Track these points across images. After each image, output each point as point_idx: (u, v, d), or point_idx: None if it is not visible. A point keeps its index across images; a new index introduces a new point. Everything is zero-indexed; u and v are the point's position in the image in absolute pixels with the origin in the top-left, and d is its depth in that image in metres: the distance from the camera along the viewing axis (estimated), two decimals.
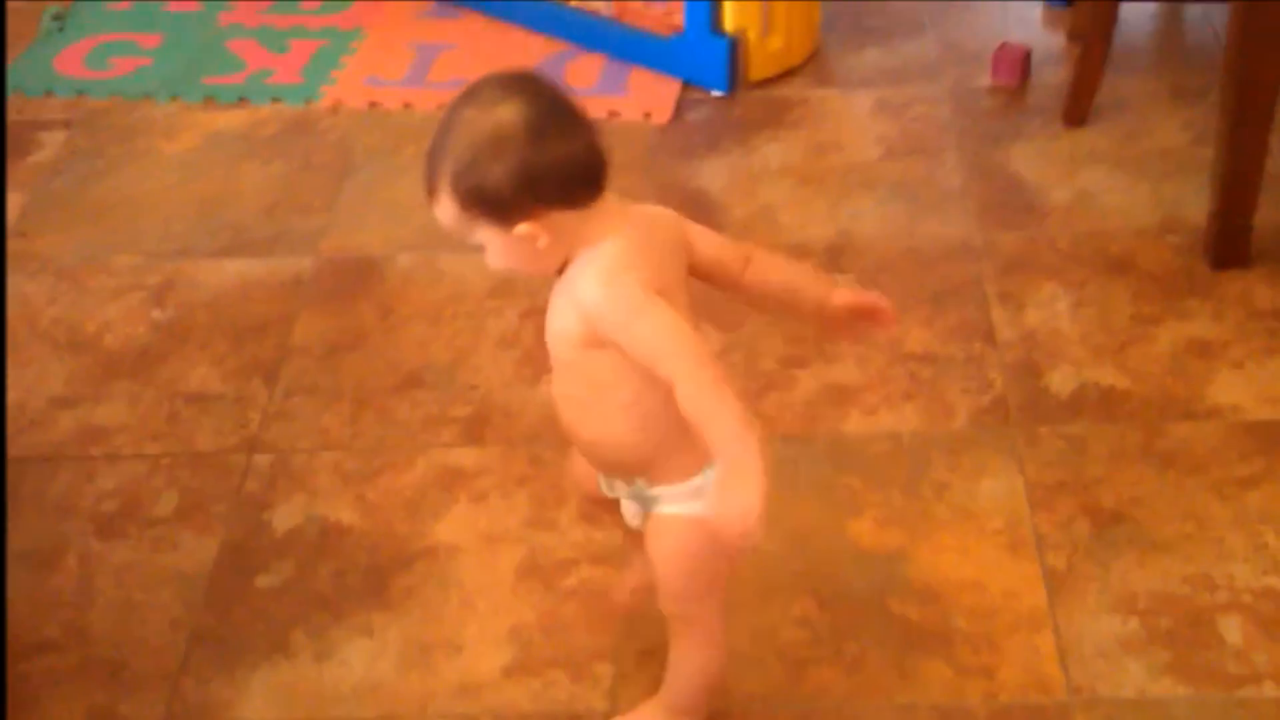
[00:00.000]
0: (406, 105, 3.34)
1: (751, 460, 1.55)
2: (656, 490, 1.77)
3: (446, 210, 1.63)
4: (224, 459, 2.47)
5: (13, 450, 2.48)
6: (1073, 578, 2.18)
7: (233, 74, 3.49)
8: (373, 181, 3.12)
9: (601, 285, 1.63)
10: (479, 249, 1.67)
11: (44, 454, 2.49)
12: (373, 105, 3.36)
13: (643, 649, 2.11)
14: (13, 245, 2.97)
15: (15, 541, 2.25)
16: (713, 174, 3.08)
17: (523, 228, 1.61)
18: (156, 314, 2.78)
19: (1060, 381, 2.51)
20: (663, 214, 1.75)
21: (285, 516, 2.37)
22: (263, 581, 2.26)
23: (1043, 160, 3.06)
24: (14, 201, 3.08)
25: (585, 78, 3.41)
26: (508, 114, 1.58)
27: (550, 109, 1.60)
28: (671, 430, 1.68)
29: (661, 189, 3.04)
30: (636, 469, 1.77)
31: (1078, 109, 3.15)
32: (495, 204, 1.60)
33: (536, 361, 2.60)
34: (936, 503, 2.31)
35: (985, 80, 3.33)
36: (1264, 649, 2.06)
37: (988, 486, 2.33)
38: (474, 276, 2.81)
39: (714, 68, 3.31)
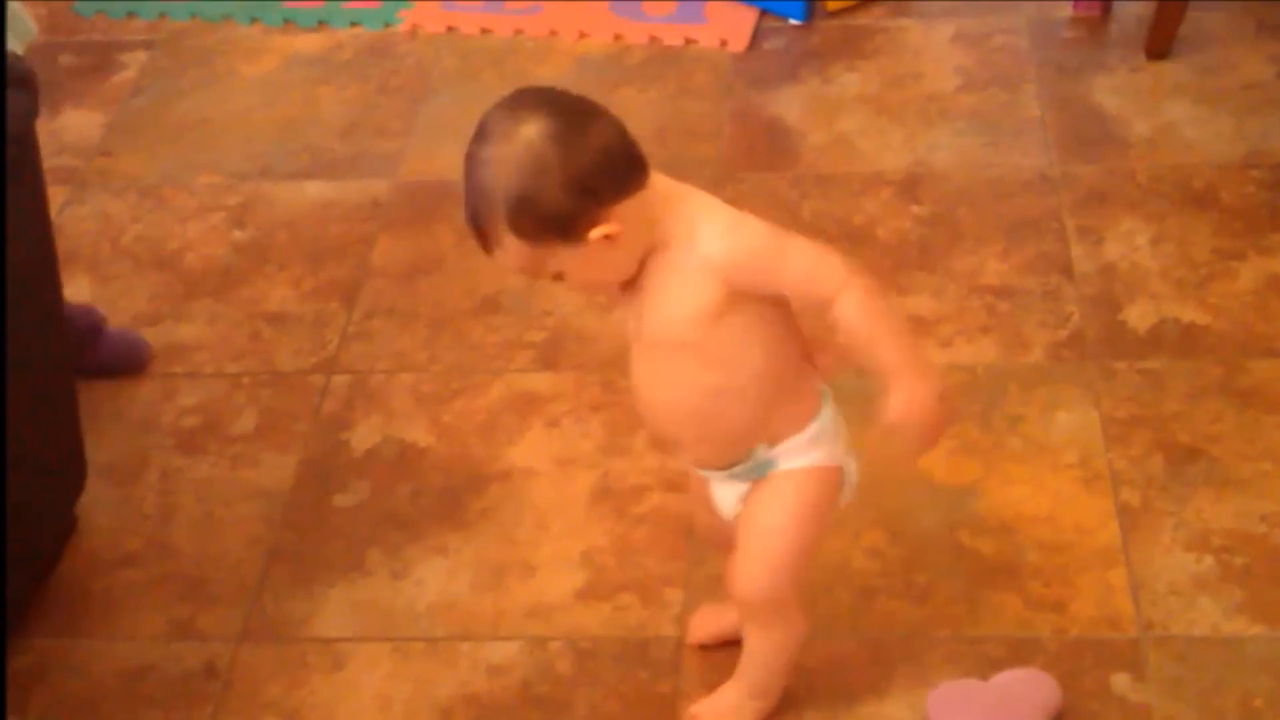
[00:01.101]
0: (484, 30, 3.34)
1: (921, 359, 1.65)
2: (779, 448, 1.73)
3: (515, 253, 1.59)
4: (303, 379, 2.50)
5: None
6: (1147, 514, 2.17)
7: None
8: (450, 106, 3.12)
9: (734, 234, 1.62)
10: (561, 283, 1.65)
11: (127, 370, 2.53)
12: (450, 30, 3.36)
13: (712, 575, 2.13)
14: (97, 163, 3.00)
15: (98, 456, 2.29)
16: (789, 102, 3.07)
17: (598, 231, 1.57)
18: (237, 234, 2.81)
19: (1139, 316, 2.50)
20: None
21: (363, 437, 2.39)
22: (341, 500, 2.30)
23: (1124, 93, 3.02)
24: (97, 120, 3.10)
25: (662, 7, 3.39)
26: (531, 133, 1.54)
27: (564, 110, 1.57)
28: (793, 377, 1.70)
29: (738, 117, 3.03)
30: (762, 435, 1.73)
31: (1161, 41, 3.11)
32: (563, 223, 1.56)
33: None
34: (1011, 436, 2.31)
35: (1067, 10, 3.28)
36: None
37: (1063, 420, 2.33)
38: None
39: None
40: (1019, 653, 2.00)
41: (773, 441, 1.73)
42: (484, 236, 1.59)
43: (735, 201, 1.69)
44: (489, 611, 2.12)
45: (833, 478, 1.77)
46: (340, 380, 2.49)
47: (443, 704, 2.02)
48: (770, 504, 1.76)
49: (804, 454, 1.74)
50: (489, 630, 2.10)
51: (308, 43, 3.35)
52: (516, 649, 2.07)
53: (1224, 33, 3.17)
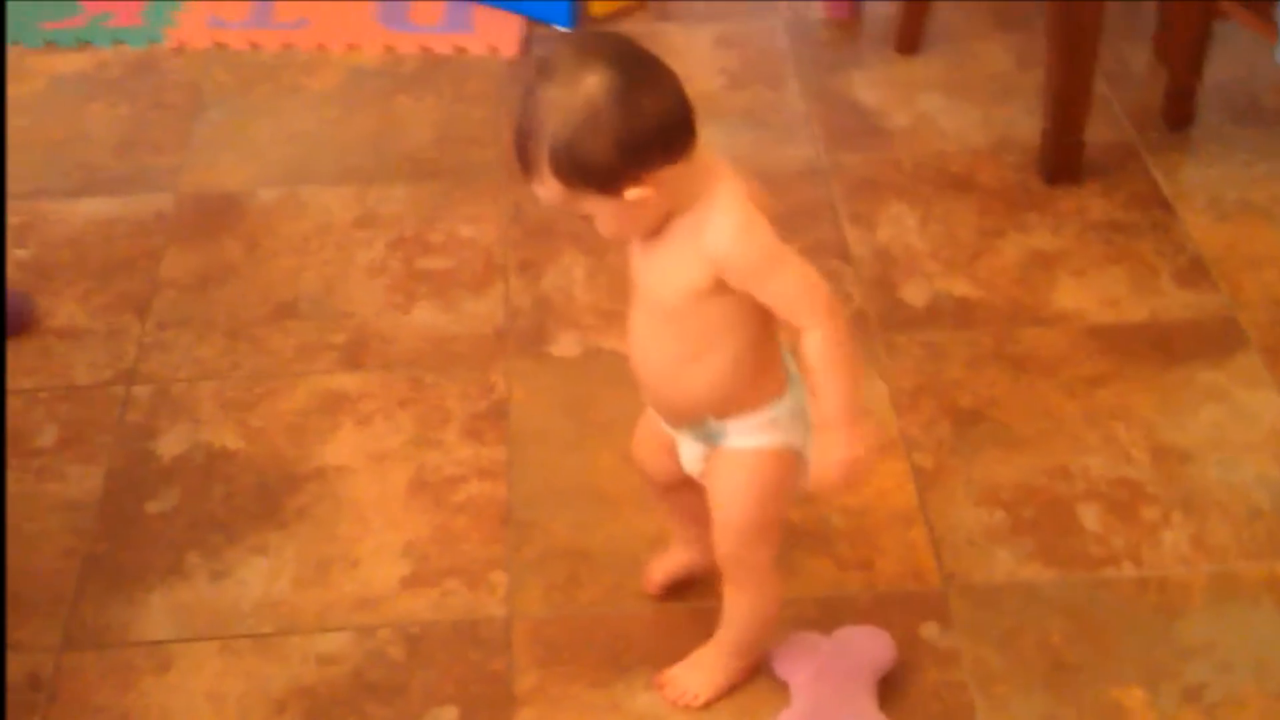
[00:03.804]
0: (254, 45, 3.34)
1: (857, 421, 1.70)
2: (727, 423, 1.79)
3: (550, 190, 1.62)
4: (103, 391, 2.48)
5: None
6: (940, 474, 2.30)
7: (71, 19, 3.45)
8: (226, 119, 3.12)
9: (740, 235, 1.65)
10: (584, 218, 1.65)
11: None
12: (219, 45, 3.35)
13: (535, 557, 2.19)
14: None
15: None
16: None
17: (634, 192, 1.60)
18: (19, 253, 2.76)
19: (915, 293, 2.63)
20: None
21: (170, 444, 2.38)
22: (153, 507, 2.28)
23: (881, 87, 3.18)
24: None
25: (430, 17, 3.43)
26: (594, 86, 1.55)
27: (632, 69, 1.57)
28: (758, 364, 1.76)
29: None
30: (719, 408, 1.78)
31: (909, 37, 3.28)
32: (603, 177, 1.58)
33: (407, 288, 2.65)
34: None
35: (819, 12, 3.43)
36: (1120, 533, 2.20)
37: None
38: (338, 208, 2.84)
39: (556, 3, 3.36)
40: (833, 611, 2.09)
41: (721, 416, 1.79)
42: (526, 166, 1.62)
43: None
44: (315, 605, 2.14)
45: (786, 460, 1.82)
46: (141, 390, 2.48)
47: (276, 697, 2.02)
48: (724, 479, 1.83)
49: (756, 434, 1.79)
50: (317, 623, 2.12)
51: (72, 62, 3.31)
52: (346, 639, 2.09)
53: (966, 28, 3.37)
